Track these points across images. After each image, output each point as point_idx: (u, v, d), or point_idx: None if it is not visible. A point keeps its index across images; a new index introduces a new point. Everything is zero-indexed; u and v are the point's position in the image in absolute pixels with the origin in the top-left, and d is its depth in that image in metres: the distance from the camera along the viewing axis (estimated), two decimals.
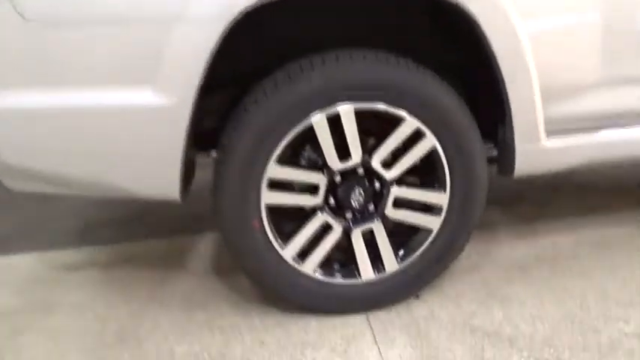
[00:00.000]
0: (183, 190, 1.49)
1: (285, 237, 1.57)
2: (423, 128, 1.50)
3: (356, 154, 1.51)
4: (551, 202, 2.39)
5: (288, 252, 1.57)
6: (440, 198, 1.59)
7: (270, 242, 1.54)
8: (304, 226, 1.56)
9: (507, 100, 1.53)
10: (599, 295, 1.71)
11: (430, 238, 1.62)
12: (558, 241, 2.04)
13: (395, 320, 1.63)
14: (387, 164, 1.55)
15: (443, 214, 1.60)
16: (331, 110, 1.44)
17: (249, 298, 1.76)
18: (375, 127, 1.54)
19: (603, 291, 1.73)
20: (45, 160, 1.42)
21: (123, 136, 1.39)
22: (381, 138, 1.52)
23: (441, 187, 1.58)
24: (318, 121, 1.45)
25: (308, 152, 1.57)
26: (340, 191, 1.56)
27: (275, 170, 1.48)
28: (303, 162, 1.58)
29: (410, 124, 1.49)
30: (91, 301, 1.79)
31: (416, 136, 1.52)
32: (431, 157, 1.55)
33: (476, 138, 1.56)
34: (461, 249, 1.67)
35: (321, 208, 1.56)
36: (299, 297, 1.63)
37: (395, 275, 1.64)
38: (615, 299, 1.68)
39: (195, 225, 2.29)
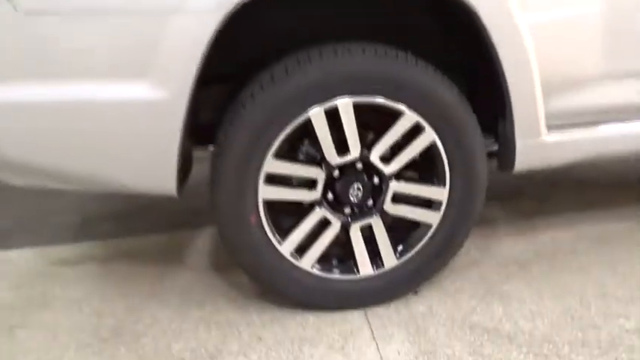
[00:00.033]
0: (179, 185, 1.48)
1: (283, 232, 1.56)
2: (423, 122, 1.49)
3: (354, 149, 1.49)
4: (550, 198, 2.38)
5: (286, 247, 1.56)
6: (439, 193, 1.58)
7: (268, 237, 1.53)
8: (302, 222, 1.55)
9: (508, 93, 1.52)
10: (598, 291, 1.70)
11: (429, 234, 1.61)
12: (558, 237, 2.03)
13: (393, 316, 1.62)
14: (386, 159, 1.54)
15: (442, 209, 1.59)
16: (329, 104, 1.43)
17: (247, 293, 1.75)
18: (373, 122, 1.53)
19: (603, 286, 1.72)
20: (42, 154, 1.41)
21: (119, 130, 1.38)
22: (380, 132, 1.51)
23: (441, 182, 1.57)
24: (316, 115, 1.43)
25: (306, 146, 1.56)
26: (338, 186, 1.55)
27: (272, 165, 1.47)
28: (301, 156, 1.57)
29: (409, 118, 1.48)
30: (89, 295, 1.79)
31: (415, 131, 1.50)
32: (430, 151, 1.54)
33: (476, 132, 1.55)
34: (460, 244, 1.66)
35: (319, 203, 1.55)
36: (297, 293, 1.62)
37: (393, 271, 1.63)
38: (615, 295, 1.68)
39: (194, 220, 2.28)
